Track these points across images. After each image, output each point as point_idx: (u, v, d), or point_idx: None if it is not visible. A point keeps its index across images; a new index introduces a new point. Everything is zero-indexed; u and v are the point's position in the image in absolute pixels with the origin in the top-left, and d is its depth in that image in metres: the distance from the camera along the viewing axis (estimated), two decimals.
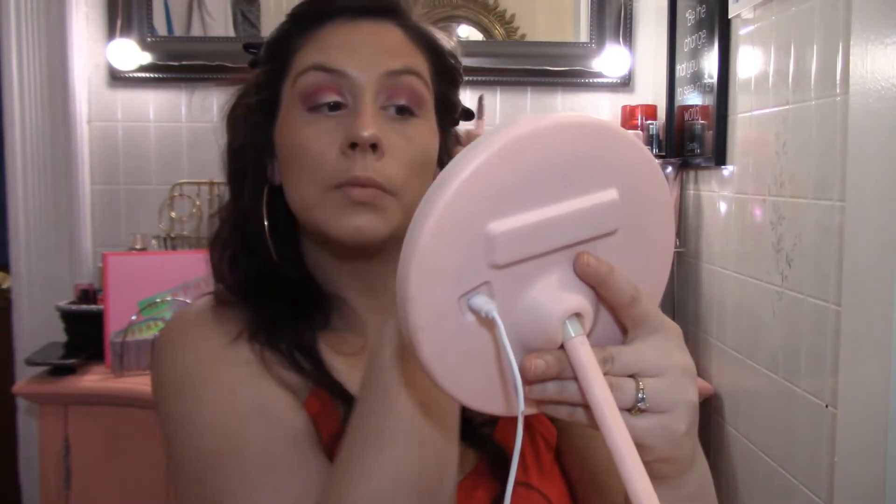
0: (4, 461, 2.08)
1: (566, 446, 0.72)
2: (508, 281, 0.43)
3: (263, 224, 0.69)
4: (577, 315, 0.44)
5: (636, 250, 0.47)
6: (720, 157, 1.69)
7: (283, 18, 0.70)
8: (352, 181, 0.62)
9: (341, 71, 0.64)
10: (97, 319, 1.80)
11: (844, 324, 1.19)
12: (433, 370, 0.43)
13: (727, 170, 1.69)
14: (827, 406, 1.27)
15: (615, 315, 0.47)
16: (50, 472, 1.71)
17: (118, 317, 1.74)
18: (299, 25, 0.68)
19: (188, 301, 1.78)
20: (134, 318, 1.74)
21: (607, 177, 0.44)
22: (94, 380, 1.73)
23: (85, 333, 1.84)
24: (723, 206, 1.72)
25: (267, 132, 0.69)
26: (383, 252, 0.68)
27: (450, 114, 0.73)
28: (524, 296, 0.43)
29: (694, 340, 1.86)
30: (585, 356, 0.42)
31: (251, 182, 0.70)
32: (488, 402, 0.46)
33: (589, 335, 0.44)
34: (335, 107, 0.64)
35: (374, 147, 0.62)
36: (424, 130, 0.67)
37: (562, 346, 0.43)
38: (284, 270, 0.69)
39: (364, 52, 0.65)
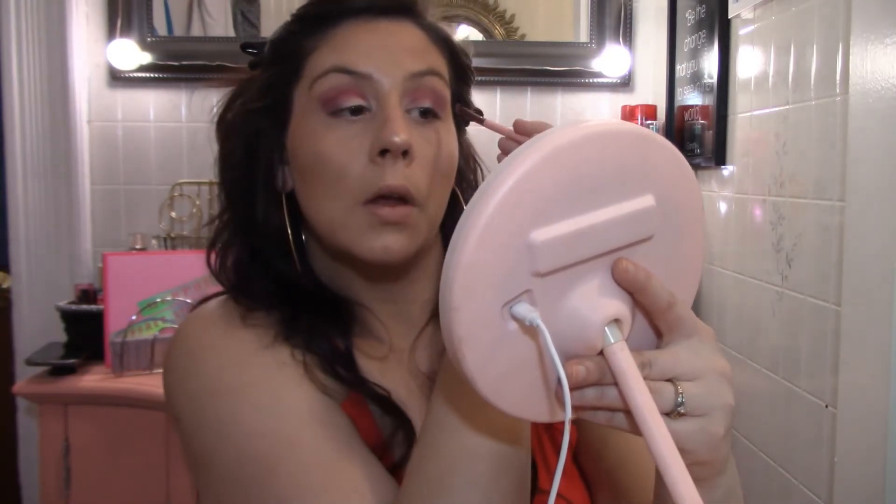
0: (4, 461, 2.08)
1: (582, 446, 0.72)
2: (549, 288, 0.43)
3: (283, 234, 0.66)
4: (617, 321, 0.44)
5: (671, 255, 0.47)
6: (720, 157, 1.69)
7: (284, 18, 0.66)
8: (384, 191, 0.60)
9: (364, 73, 0.61)
10: (97, 319, 1.80)
11: (844, 324, 1.19)
12: (476, 380, 0.43)
13: (727, 170, 1.69)
14: (827, 406, 1.27)
15: (651, 319, 0.47)
16: (50, 472, 1.71)
17: (118, 317, 1.74)
18: (310, 25, 0.65)
19: (188, 301, 1.79)
20: (134, 318, 1.74)
21: (644, 183, 0.44)
22: (94, 380, 1.73)
23: (85, 333, 1.84)
24: (723, 207, 1.72)
25: (276, 138, 0.66)
26: (405, 264, 0.66)
27: (463, 115, 0.71)
28: (564, 303, 0.44)
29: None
30: (626, 362, 0.43)
31: (264, 191, 0.66)
32: (530, 410, 0.46)
33: (626, 337, 0.45)
34: (357, 111, 0.62)
35: (404, 153, 0.60)
36: (447, 134, 0.65)
37: (600, 352, 0.44)
38: (298, 277, 0.67)
39: (386, 54, 0.62)
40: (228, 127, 0.68)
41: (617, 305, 0.44)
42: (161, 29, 2.17)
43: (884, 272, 1.10)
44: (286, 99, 0.65)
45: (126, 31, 2.09)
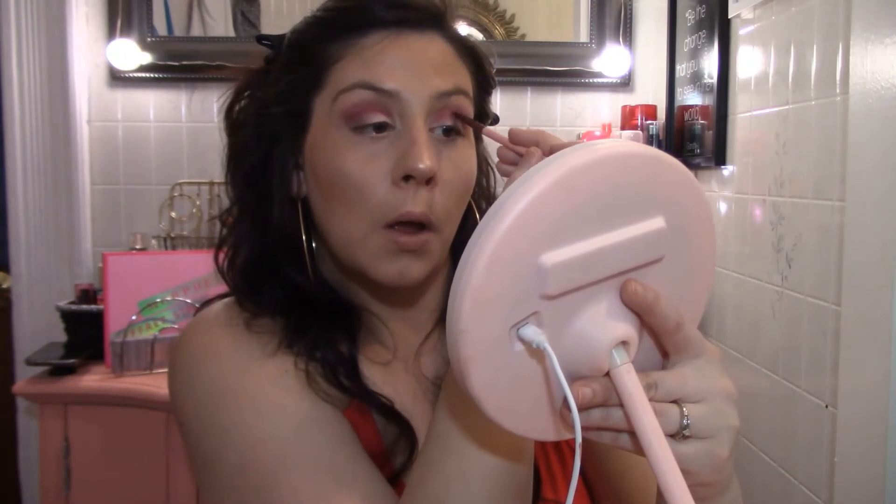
0: (4, 461, 2.08)
1: (585, 452, 0.72)
2: (557, 310, 0.43)
3: (296, 240, 0.65)
4: (624, 343, 0.44)
5: (680, 276, 0.47)
6: (720, 157, 1.69)
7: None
8: (405, 217, 0.59)
9: (391, 91, 0.60)
10: (97, 319, 1.80)
11: (844, 324, 1.19)
12: (482, 400, 0.43)
13: (727, 170, 1.69)
14: (827, 406, 1.27)
15: (658, 340, 0.47)
16: (50, 472, 1.71)
17: (118, 317, 1.74)
18: (335, 32, 0.62)
19: (188, 301, 1.79)
20: (134, 318, 1.74)
21: (655, 205, 0.44)
22: (94, 380, 1.73)
23: (85, 333, 1.84)
24: (723, 207, 1.72)
25: (292, 143, 0.64)
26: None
27: (482, 123, 0.70)
28: (572, 324, 0.44)
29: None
30: (632, 385, 0.43)
31: (279, 197, 0.65)
32: (535, 429, 0.47)
33: (633, 358, 0.45)
34: (381, 127, 0.60)
35: (428, 180, 0.59)
36: (468, 152, 0.65)
37: (607, 374, 0.44)
38: (309, 284, 0.66)
39: (414, 71, 0.60)
40: (240, 124, 0.67)
41: (624, 328, 0.44)
42: (161, 29, 2.17)
43: (884, 272, 1.10)
44: (305, 106, 0.63)
45: (126, 31, 2.10)
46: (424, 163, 0.58)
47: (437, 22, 0.64)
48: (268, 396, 0.59)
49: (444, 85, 0.61)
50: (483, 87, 0.69)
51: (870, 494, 1.13)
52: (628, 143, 0.43)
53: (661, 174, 0.44)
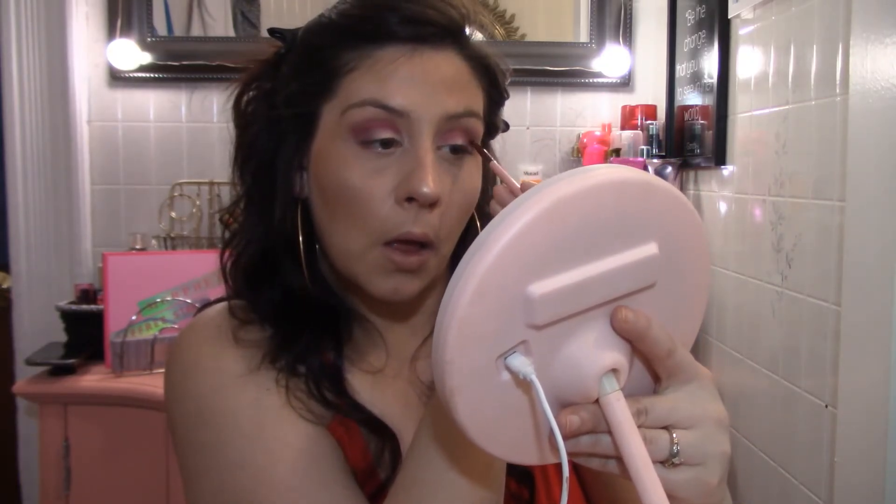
0: (4, 461, 2.08)
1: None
2: (546, 339, 0.42)
3: (295, 242, 0.65)
4: (614, 370, 0.43)
5: (673, 300, 0.47)
6: (720, 157, 1.69)
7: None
8: (405, 237, 0.59)
9: (402, 111, 0.59)
10: (97, 319, 1.80)
11: (844, 324, 1.19)
12: (468, 429, 0.43)
13: (727, 170, 1.69)
14: (827, 406, 1.27)
15: (649, 365, 0.47)
16: (50, 472, 1.71)
17: (118, 317, 1.74)
18: (349, 40, 0.61)
19: (188, 301, 1.79)
20: (134, 318, 1.75)
21: (647, 231, 0.43)
22: (94, 380, 1.73)
23: (85, 333, 1.85)
24: (723, 207, 1.72)
25: (298, 144, 0.64)
26: None
27: (490, 135, 0.70)
28: (561, 352, 0.43)
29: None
30: (621, 413, 0.42)
31: (283, 196, 0.65)
32: (522, 455, 0.46)
33: (622, 385, 0.44)
34: (388, 143, 0.60)
35: (432, 204, 0.60)
36: (474, 170, 0.64)
37: (596, 401, 0.43)
38: (305, 287, 0.66)
39: (426, 90, 0.60)
40: (249, 119, 0.67)
41: (614, 356, 0.43)
42: (161, 29, 2.17)
43: (884, 272, 1.10)
44: (314, 111, 0.63)
45: (126, 31, 2.10)
46: (429, 186, 0.58)
47: (455, 38, 0.64)
48: (248, 418, 0.59)
49: (456, 107, 0.61)
50: (495, 101, 0.68)
51: (870, 494, 1.13)
52: (619, 170, 0.42)
53: (652, 200, 0.43)
